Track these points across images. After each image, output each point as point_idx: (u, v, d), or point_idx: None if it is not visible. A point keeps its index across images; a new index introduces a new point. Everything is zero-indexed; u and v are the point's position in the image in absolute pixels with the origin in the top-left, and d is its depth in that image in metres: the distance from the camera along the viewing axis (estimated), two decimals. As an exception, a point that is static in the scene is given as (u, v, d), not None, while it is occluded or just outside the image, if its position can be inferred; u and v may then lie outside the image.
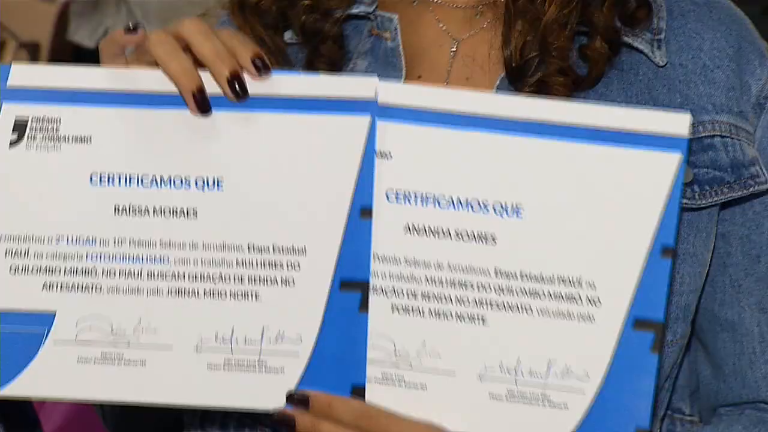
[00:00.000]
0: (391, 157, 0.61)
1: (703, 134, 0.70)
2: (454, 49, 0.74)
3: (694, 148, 0.68)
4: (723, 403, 0.74)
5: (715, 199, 0.70)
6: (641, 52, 0.71)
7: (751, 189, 0.70)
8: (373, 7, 0.74)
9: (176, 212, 0.63)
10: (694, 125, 0.67)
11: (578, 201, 0.61)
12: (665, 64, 0.70)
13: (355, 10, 0.74)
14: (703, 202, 0.70)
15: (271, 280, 0.62)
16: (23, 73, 0.65)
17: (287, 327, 0.62)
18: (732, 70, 0.71)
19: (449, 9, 0.75)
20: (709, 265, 0.73)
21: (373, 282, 0.61)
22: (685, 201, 0.68)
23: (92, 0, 3.65)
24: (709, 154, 0.70)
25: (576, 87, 0.69)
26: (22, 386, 0.63)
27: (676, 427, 0.74)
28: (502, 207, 0.61)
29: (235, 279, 0.62)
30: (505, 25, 0.71)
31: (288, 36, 0.75)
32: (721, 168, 0.70)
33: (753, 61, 0.73)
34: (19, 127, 0.63)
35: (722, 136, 0.70)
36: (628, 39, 0.70)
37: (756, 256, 0.73)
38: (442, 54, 0.74)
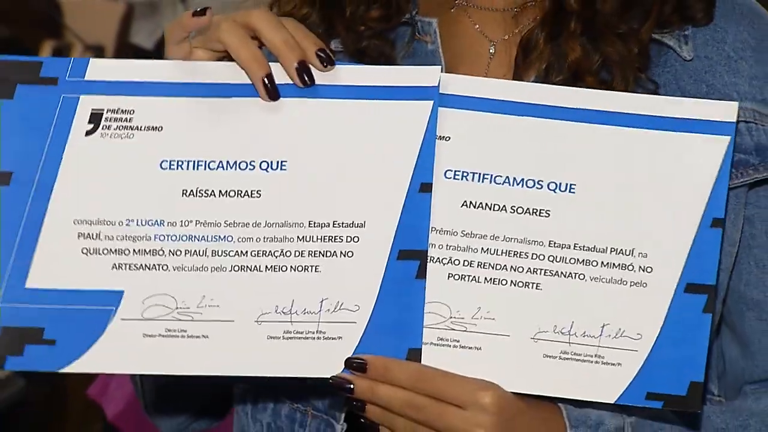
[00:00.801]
0: (449, 139, 0.64)
1: None
2: (491, 50, 0.75)
3: None
4: (749, 381, 0.75)
5: (742, 180, 0.72)
6: (670, 47, 0.72)
7: None
8: (414, 12, 0.76)
9: (241, 193, 0.64)
10: None
11: (631, 180, 0.65)
12: (691, 59, 0.72)
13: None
14: (730, 183, 0.70)
15: (330, 253, 0.64)
16: (99, 67, 0.66)
17: (345, 297, 0.64)
18: (755, 60, 0.73)
19: (486, 12, 0.76)
20: (738, 245, 0.74)
21: (431, 252, 0.63)
22: None
23: (151, 2, 3.73)
24: (735, 138, 0.72)
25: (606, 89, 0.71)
26: (91, 361, 0.65)
27: (705, 406, 0.74)
28: (555, 184, 0.63)
29: (295, 254, 0.64)
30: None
31: (334, 45, 0.76)
32: (746, 151, 0.71)
33: None
34: (95, 118, 0.65)
35: (746, 122, 0.71)
36: (657, 36, 0.72)
37: None
38: (480, 56, 0.76)
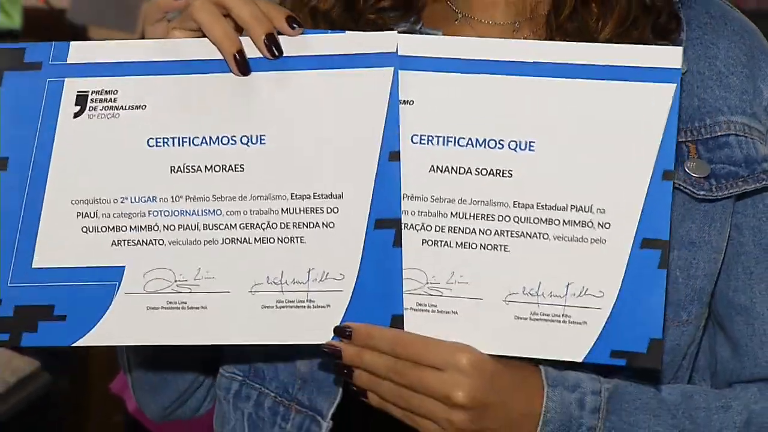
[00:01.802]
0: (413, 103, 0.64)
1: (720, 133, 0.73)
2: None
3: (711, 145, 0.73)
4: (737, 380, 0.77)
5: (730, 191, 0.73)
6: None
7: (764, 182, 0.73)
8: (419, 24, 0.77)
9: (225, 168, 0.66)
10: (711, 125, 0.72)
11: (584, 133, 0.64)
12: (685, 72, 0.71)
13: (402, 27, 0.76)
14: (719, 194, 0.73)
15: (313, 225, 0.65)
16: (81, 50, 0.67)
17: (331, 266, 0.66)
18: (746, 76, 0.74)
19: (488, 25, 0.77)
20: (725, 253, 0.75)
21: (404, 219, 0.64)
22: (702, 193, 0.72)
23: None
24: (725, 150, 0.72)
25: None
26: (99, 335, 0.68)
27: (689, 386, 0.77)
28: (515, 143, 0.64)
29: (281, 225, 0.66)
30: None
31: None
32: (736, 163, 0.72)
33: (764, 68, 0.75)
34: (81, 100, 0.66)
35: (737, 135, 0.73)
36: None
37: (766, 246, 0.75)
38: None
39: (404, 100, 0.64)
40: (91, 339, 0.68)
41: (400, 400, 0.66)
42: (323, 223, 0.66)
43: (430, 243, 0.65)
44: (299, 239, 0.66)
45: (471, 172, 0.64)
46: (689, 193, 0.72)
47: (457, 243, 0.65)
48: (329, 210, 0.66)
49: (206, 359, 0.81)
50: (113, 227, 0.67)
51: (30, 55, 0.67)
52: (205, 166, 0.66)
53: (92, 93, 0.67)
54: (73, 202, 0.67)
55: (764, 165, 0.73)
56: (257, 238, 0.66)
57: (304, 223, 0.66)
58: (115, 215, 0.67)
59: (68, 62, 0.67)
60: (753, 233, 0.76)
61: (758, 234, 0.75)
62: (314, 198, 0.66)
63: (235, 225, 0.66)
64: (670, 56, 0.64)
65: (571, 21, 0.72)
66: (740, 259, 0.76)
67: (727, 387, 0.77)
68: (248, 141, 0.66)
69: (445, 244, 0.65)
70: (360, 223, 0.65)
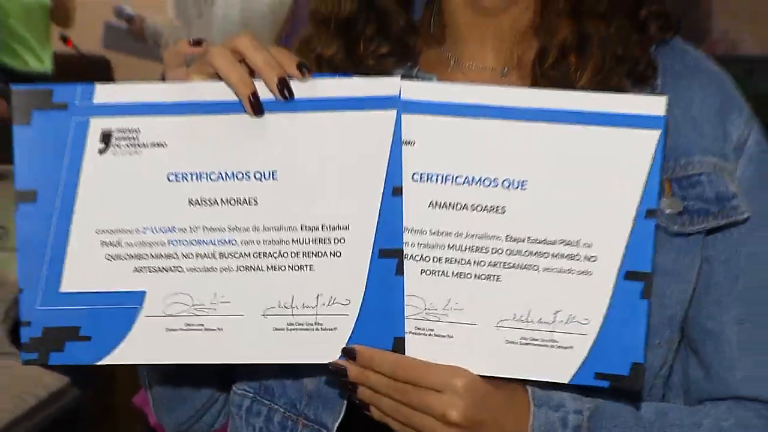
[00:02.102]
0: (414, 144, 0.68)
1: (692, 172, 0.77)
2: None
3: (684, 183, 0.77)
4: (708, 398, 0.80)
5: (702, 226, 0.77)
6: None
7: (732, 218, 0.77)
8: (415, 69, 0.81)
9: (240, 201, 0.69)
10: (685, 164, 0.76)
11: (573, 174, 0.67)
12: None
13: (399, 72, 0.81)
14: (692, 228, 0.77)
15: (321, 254, 0.69)
16: (105, 91, 0.70)
17: (338, 292, 0.69)
18: (718, 121, 0.79)
19: (478, 70, 0.82)
20: (696, 283, 0.79)
21: (405, 250, 0.68)
22: (675, 227, 0.76)
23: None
24: (697, 189, 0.76)
25: None
26: (122, 354, 0.71)
27: (664, 404, 0.81)
28: (509, 182, 0.67)
29: (291, 254, 0.69)
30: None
31: None
32: (707, 201, 0.76)
33: (734, 113, 0.79)
34: (106, 138, 0.69)
35: (708, 174, 0.77)
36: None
37: (735, 276, 0.79)
38: None
39: (406, 141, 0.68)
40: (114, 358, 0.72)
41: (399, 415, 0.70)
42: (331, 253, 0.69)
43: (428, 272, 0.69)
44: (308, 267, 0.70)
45: (467, 208, 0.68)
46: (663, 228, 0.75)
47: (453, 273, 0.69)
48: (336, 240, 0.69)
49: (221, 378, 0.85)
50: (135, 255, 0.71)
51: (57, 96, 0.70)
52: (221, 199, 0.70)
53: (116, 131, 0.70)
54: (98, 231, 0.70)
55: (733, 202, 0.77)
56: (269, 266, 0.70)
57: (313, 252, 0.69)
58: (136, 244, 0.70)
59: (94, 102, 0.70)
60: (722, 266, 0.79)
61: (727, 266, 0.79)
62: (322, 229, 0.69)
63: (249, 253, 0.70)
64: (655, 105, 0.67)
65: (554, 69, 0.77)
66: (710, 290, 0.79)
67: (699, 404, 0.81)
68: (261, 176, 0.69)
69: (442, 274, 0.69)
70: (365, 252, 0.69)
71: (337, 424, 0.77)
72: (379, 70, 0.80)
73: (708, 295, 0.80)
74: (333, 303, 0.70)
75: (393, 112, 0.68)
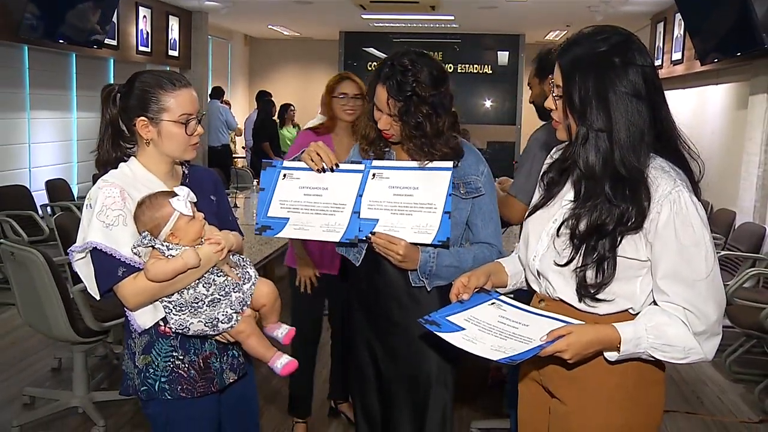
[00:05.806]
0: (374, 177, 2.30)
1: (468, 180, 2.25)
2: None
3: (467, 184, 2.25)
4: (474, 242, 2.20)
5: (471, 196, 2.19)
6: None
7: (479, 194, 2.25)
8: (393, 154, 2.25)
9: (318, 188, 2.24)
10: (466, 179, 2.24)
11: (423, 188, 2.18)
12: (456, 165, 2.18)
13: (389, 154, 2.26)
14: (467, 197, 2.19)
15: (340, 211, 2.30)
16: (286, 162, 2.27)
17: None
18: (475, 164, 2.33)
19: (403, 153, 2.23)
20: (469, 213, 2.19)
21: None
22: (463, 195, 2.23)
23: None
24: (470, 185, 2.25)
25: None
26: (287, 232, 2.21)
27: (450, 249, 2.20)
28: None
29: (330, 210, 2.23)
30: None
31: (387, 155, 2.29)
32: (472, 188, 2.28)
33: (480, 163, 2.32)
34: (285, 175, 2.22)
35: (471, 181, 2.29)
36: None
37: (486, 212, 2.21)
38: None
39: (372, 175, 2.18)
40: (285, 233, 2.27)
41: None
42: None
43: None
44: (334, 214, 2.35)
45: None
46: (459, 196, 2.10)
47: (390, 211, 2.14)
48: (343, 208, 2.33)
49: None
50: (291, 208, 2.23)
51: (273, 163, 2.26)
52: (313, 188, 2.20)
53: (287, 170, 2.22)
54: (280, 201, 2.21)
55: (480, 189, 2.18)
56: (322, 213, 2.31)
57: (335, 210, 2.35)
58: (291, 203, 2.17)
59: (283, 165, 2.23)
60: (478, 208, 2.19)
61: (480, 209, 2.20)
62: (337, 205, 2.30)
63: (321, 207, 2.28)
64: (450, 163, 2.10)
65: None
66: (473, 215, 2.18)
67: (471, 245, 2.22)
68: (323, 188, 2.19)
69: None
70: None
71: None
72: (380, 154, 2.23)
73: (473, 216, 2.18)
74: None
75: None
